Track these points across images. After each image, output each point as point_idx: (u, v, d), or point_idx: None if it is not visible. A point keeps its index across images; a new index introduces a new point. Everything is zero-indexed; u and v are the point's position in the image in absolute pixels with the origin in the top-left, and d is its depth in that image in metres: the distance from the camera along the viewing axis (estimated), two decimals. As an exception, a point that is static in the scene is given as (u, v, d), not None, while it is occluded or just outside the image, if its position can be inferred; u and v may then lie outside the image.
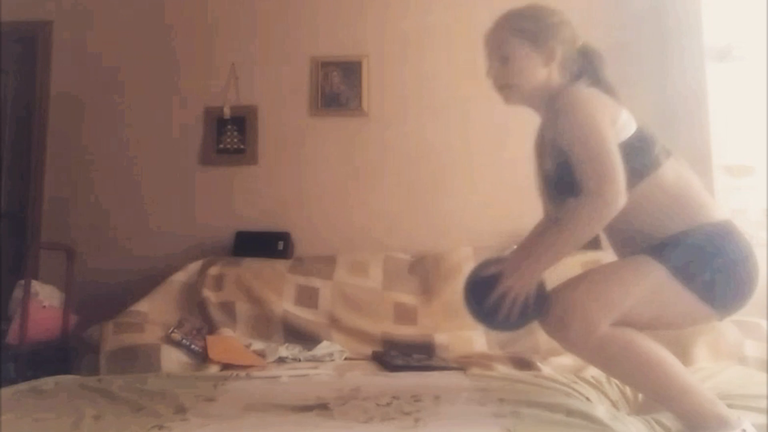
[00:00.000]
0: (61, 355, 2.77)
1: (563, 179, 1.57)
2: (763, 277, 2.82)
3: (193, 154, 3.63)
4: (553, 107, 1.61)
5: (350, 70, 3.60)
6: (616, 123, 1.54)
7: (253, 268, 3.15)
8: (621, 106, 1.60)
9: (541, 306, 1.53)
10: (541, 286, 1.56)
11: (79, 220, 3.56)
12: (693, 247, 1.48)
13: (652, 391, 1.52)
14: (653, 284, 1.47)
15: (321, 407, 1.67)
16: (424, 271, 3.18)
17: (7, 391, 1.95)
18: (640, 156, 1.54)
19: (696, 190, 1.59)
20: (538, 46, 1.67)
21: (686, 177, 1.61)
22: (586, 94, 1.58)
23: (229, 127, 3.60)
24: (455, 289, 3.02)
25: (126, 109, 3.66)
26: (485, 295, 1.55)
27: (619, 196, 1.43)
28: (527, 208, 3.42)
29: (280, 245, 3.32)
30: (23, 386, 2.03)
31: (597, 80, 1.67)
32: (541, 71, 1.68)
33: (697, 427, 1.42)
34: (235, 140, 3.60)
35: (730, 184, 3.00)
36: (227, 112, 3.60)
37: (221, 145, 3.60)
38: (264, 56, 3.66)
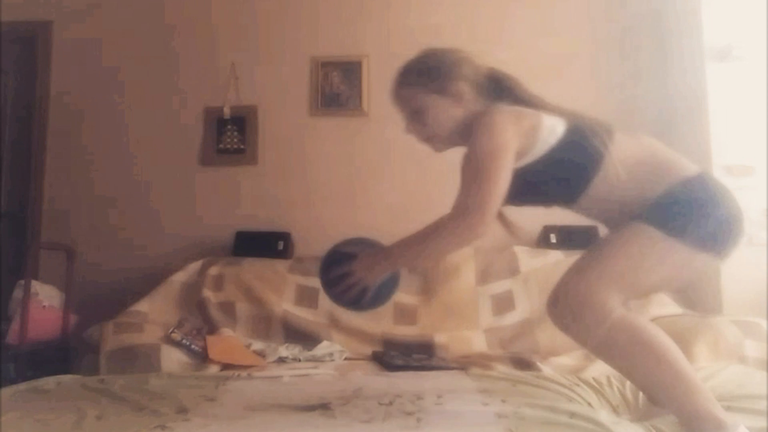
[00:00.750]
0: (61, 355, 2.77)
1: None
2: (763, 277, 2.85)
3: (193, 154, 3.63)
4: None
5: (350, 70, 3.60)
6: (538, 132, 1.56)
7: (253, 268, 3.15)
8: (542, 115, 1.60)
9: (382, 296, 1.68)
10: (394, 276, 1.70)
11: (79, 220, 3.56)
12: (679, 203, 1.50)
13: (656, 386, 1.50)
14: (657, 250, 1.49)
15: (323, 407, 1.67)
16: (424, 271, 3.18)
17: (7, 391, 1.94)
18: (581, 149, 1.56)
19: (662, 153, 1.62)
20: (444, 91, 1.67)
21: (647, 143, 1.64)
22: (495, 116, 1.58)
23: (229, 127, 3.60)
24: (455, 289, 3.04)
25: (126, 109, 3.66)
26: (333, 268, 1.66)
27: (482, 226, 1.49)
28: (526, 208, 3.44)
29: (280, 245, 3.32)
30: (23, 386, 2.03)
31: (516, 98, 1.69)
32: (456, 111, 1.68)
33: (694, 429, 1.42)
34: (235, 140, 3.60)
35: (730, 184, 2.99)
36: (227, 112, 3.60)
37: (221, 145, 3.60)
38: (264, 56, 3.66)
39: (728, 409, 1.52)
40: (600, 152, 1.55)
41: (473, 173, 1.53)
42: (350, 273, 1.63)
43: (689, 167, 1.59)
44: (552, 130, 1.58)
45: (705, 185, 1.56)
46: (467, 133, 1.62)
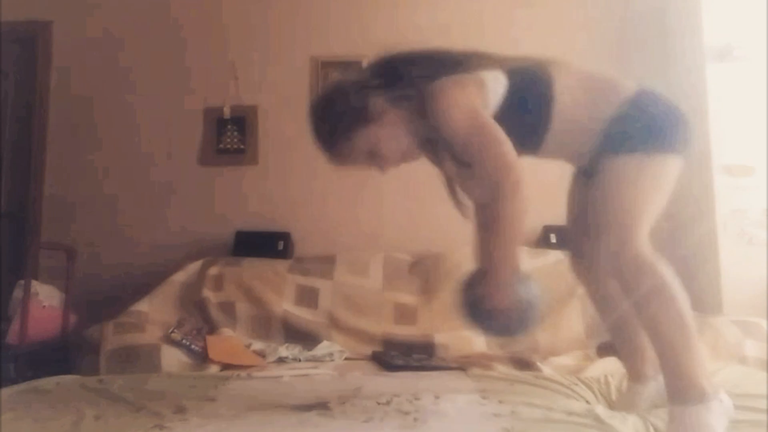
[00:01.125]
0: (61, 355, 2.77)
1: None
2: (763, 277, 2.85)
3: (193, 154, 3.63)
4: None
5: (350, 70, 3.60)
6: (484, 89, 1.54)
7: (253, 268, 3.15)
8: (480, 72, 1.57)
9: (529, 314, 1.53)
10: (532, 298, 1.54)
11: (79, 220, 3.56)
12: (638, 120, 1.55)
13: (661, 338, 1.48)
14: (650, 173, 1.55)
15: (321, 407, 1.67)
16: (424, 271, 3.19)
17: (7, 391, 1.95)
18: (530, 90, 1.58)
19: (598, 74, 1.67)
20: (372, 119, 1.56)
21: (583, 71, 1.67)
22: (443, 95, 1.52)
23: (229, 127, 3.60)
24: (455, 289, 3.03)
25: (126, 109, 3.66)
26: (479, 310, 1.53)
27: (519, 174, 1.45)
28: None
29: (280, 245, 3.32)
30: (23, 386, 2.03)
31: (439, 68, 1.59)
32: (398, 124, 1.59)
33: (679, 392, 1.42)
34: (235, 140, 3.60)
35: (730, 184, 3.01)
36: (227, 112, 3.60)
37: (221, 145, 3.60)
38: (264, 56, 3.66)
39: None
40: (548, 86, 1.57)
41: (473, 151, 1.50)
42: (491, 296, 1.48)
43: (626, 84, 1.63)
44: (496, 81, 1.57)
45: (650, 97, 1.61)
46: (429, 127, 1.56)
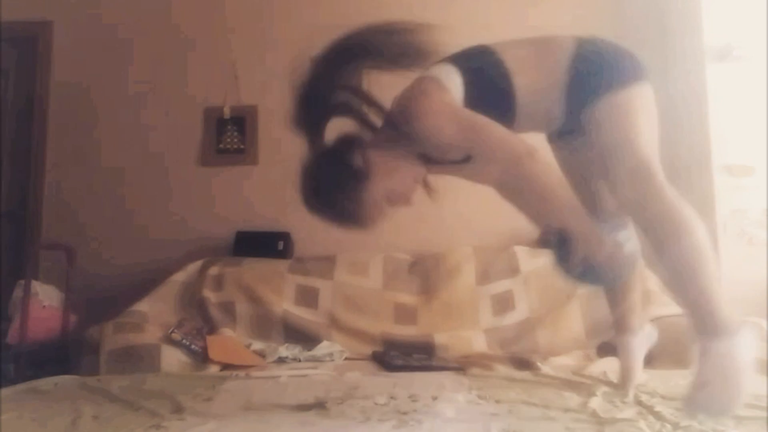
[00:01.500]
0: (61, 355, 2.77)
1: None
2: (763, 277, 2.84)
3: (193, 154, 3.63)
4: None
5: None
6: (442, 85, 1.57)
7: (253, 268, 3.15)
8: (430, 69, 1.62)
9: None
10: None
11: (79, 220, 3.56)
12: (596, 62, 1.59)
13: (688, 273, 1.47)
14: (638, 104, 1.57)
15: (319, 406, 1.67)
16: (424, 271, 3.18)
17: (7, 391, 1.95)
18: (488, 79, 1.59)
19: (539, 38, 1.69)
20: (367, 172, 1.61)
21: (523, 39, 1.69)
22: (422, 99, 1.56)
23: (229, 127, 3.61)
24: (455, 289, 3.04)
25: (126, 109, 3.67)
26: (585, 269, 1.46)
27: (528, 146, 1.45)
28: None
29: (280, 245, 3.32)
30: (23, 386, 2.04)
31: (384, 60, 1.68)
32: (394, 159, 1.64)
33: (708, 326, 1.42)
34: (235, 140, 3.61)
35: (730, 184, 3.00)
36: (227, 112, 3.60)
37: (221, 145, 3.61)
38: (264, 56, 3.66)
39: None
40: (500, 63, 1.58)
41: (474, 149, 1.53)
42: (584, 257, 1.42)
43: (565, 37, 1.65)
44: (449, 74, 1.59)
45: (591, 42, 1.64)
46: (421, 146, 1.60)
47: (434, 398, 1.75)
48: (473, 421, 1.47)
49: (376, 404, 1.68)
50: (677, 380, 1.84)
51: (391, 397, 1.76)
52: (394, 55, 1.63)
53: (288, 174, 3.62)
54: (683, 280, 1.48)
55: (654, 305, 2.82)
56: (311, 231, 3.48)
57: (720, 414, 1.42)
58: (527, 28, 3.53)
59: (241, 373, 2.30)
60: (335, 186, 1.61)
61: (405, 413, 1.58)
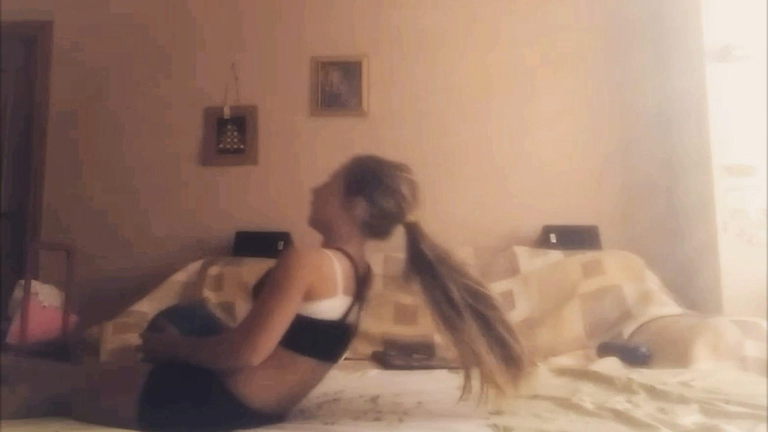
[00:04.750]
0: (61, 355, 2.77)
1: None
2: (763, 277, 2.84)
3: (193, 154, 3.63)
4: None
5: (350, 70, 3.60)
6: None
7: (253, 268, 3.13)
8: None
9: None
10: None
11: (79, 220, 3.56)
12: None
13: None
14: None
15: (307, 407, 1.66)
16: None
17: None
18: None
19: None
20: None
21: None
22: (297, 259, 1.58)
23: (229, 127, 3.60)
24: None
25: (126, 109, 3.67)
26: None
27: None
28: (526, 208, 3.45)
29: (280, 245, 3.32)
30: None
31: None
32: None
33: None
34: (235, 140, 3.60)
35: (730, 184, 3.01)
36: (227, 112, 3.60)
37: (221, 145, 3.61)
38: (264, 56, 3.66)
39: (726, 404, 1.54)
40: None
41: (256, 302, 1.59)
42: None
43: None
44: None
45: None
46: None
47: (424, 398, 1.73)
48: (462, 419, 1.46)
49: (365, 403, 1.68)
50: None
51: (380, 395, 1.76)
52: None
53: (288, 174, 3.65)
54: None
55: (654, 305, 2.83)
56: (311, 231, 3.48)
57: None
58: (528, 27, 3.57)
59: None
60: None
61: (393, 412, 1.55)
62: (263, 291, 1.52)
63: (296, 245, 1.65)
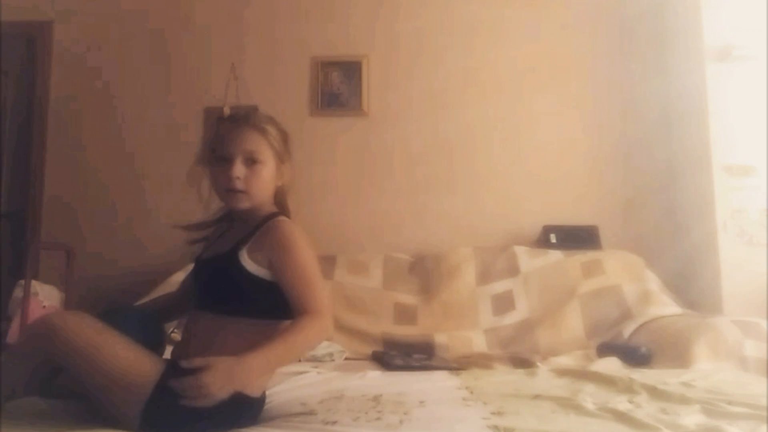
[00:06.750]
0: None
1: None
2: (763, 277, 2.85)
3: (193, 154, 3.62)
4: (265, 231, 1.66)
5: (350, 70, 3.60)
6: None
7: (252, 268, 3.13)
8: None
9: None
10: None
11: (79, 220, 3.56)
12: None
13: None
14: None
15: (308, 407, 1.66)
16: (424, 271, 3.18)
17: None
18: None
19: None
20: (282, 161, 1.75)
21: None
22: (292, 228, 1.67)
23: (229, 127, 3.60)
24: (455, 289, 3.04)
25: (126, 109, 3.67)
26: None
27: (331, 323, 1.56)
28: (526, 208, 3.45)
29: (280, 245, 3.31)
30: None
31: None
32: (272, 187, 1.75)
33: None
34: (235, 140, 3.59)
35: (730, 184, 3.01)
36: (227, 112, 3.59)
37: (221, 145, 3.60)
38: (264, 56, 3.66)
39: (728, 404, 1.54)
40: None
41: (303, 280, 1.56)
42: (199, 386, 1.35)
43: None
44: None
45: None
46: (258, 214, 1.70)
47: (425, 399, 1.72)
48: (463, 421, 1.46)
49: (365, 404, 1.66)
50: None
51: (381, 396, 1.76)
52: None
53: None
54: None
55: (654, 305, 2.83)
56: (311, 231, 3.47)
57: None
58: (528, 27, 3.57)
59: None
60: None
61: (394, 413, 1.55)
62: (293, 267, 1.57)
63: (282, 219, 1.67)
